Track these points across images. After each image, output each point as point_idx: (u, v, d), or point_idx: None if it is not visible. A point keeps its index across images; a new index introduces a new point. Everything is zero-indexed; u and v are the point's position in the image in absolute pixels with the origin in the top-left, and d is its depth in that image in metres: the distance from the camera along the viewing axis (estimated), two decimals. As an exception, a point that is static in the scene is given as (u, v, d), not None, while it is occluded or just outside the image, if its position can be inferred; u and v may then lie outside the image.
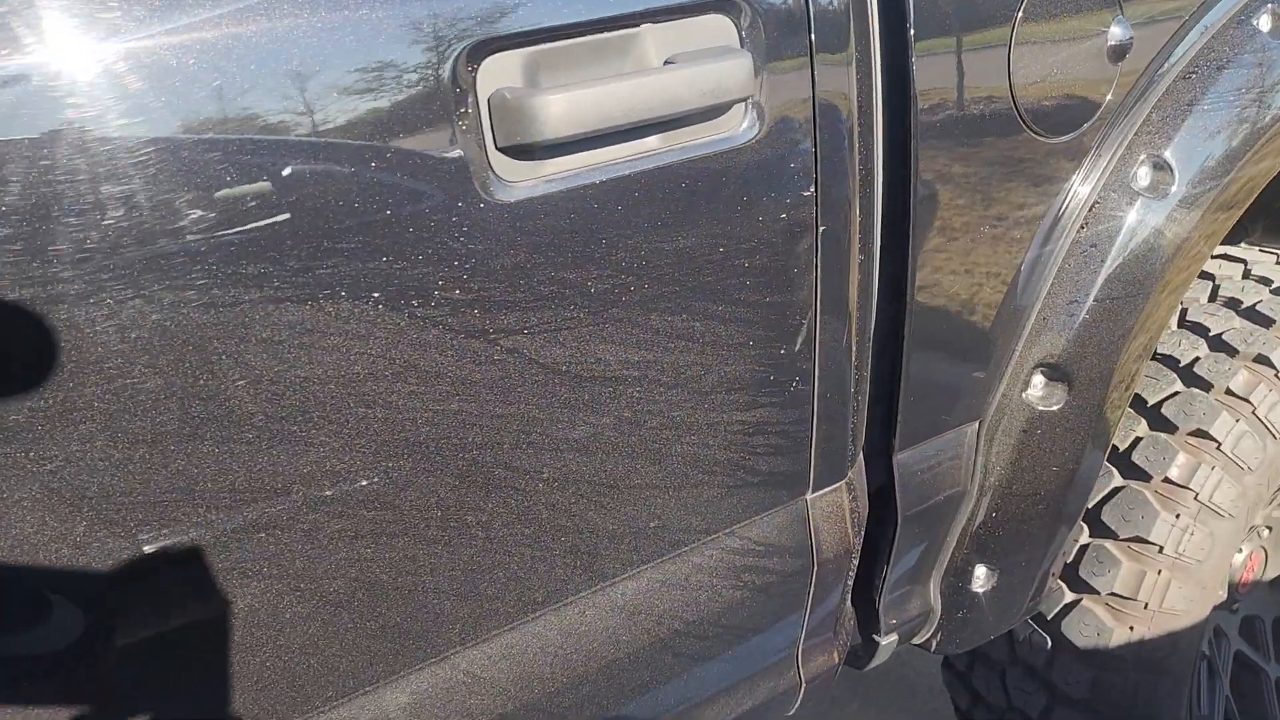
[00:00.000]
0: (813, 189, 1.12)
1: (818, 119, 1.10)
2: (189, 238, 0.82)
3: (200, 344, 0.85)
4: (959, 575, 1.55)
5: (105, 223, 0.78)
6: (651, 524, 1.18)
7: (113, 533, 0.86)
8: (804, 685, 1.44)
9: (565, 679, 1.20)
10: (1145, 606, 1.64)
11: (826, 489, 1.33)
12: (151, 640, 0.94)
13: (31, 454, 0.81)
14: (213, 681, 0.98)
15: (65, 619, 0.89)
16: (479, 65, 0.92)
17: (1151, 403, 1.69)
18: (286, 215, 0.85)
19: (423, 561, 1.04)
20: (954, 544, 1.53)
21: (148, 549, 0.89)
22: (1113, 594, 1.65)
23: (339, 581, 1.00)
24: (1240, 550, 1.90)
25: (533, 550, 1.11)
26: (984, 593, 1.56)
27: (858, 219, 1.20)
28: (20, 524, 0.82)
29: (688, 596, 1.26)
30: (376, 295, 0.91)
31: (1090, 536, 1.68)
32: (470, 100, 0.91)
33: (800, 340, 1.20)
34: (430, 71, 0.89)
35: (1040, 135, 1.30)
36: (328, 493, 0.95)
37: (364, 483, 0.97)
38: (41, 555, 0.85)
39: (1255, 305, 1.79)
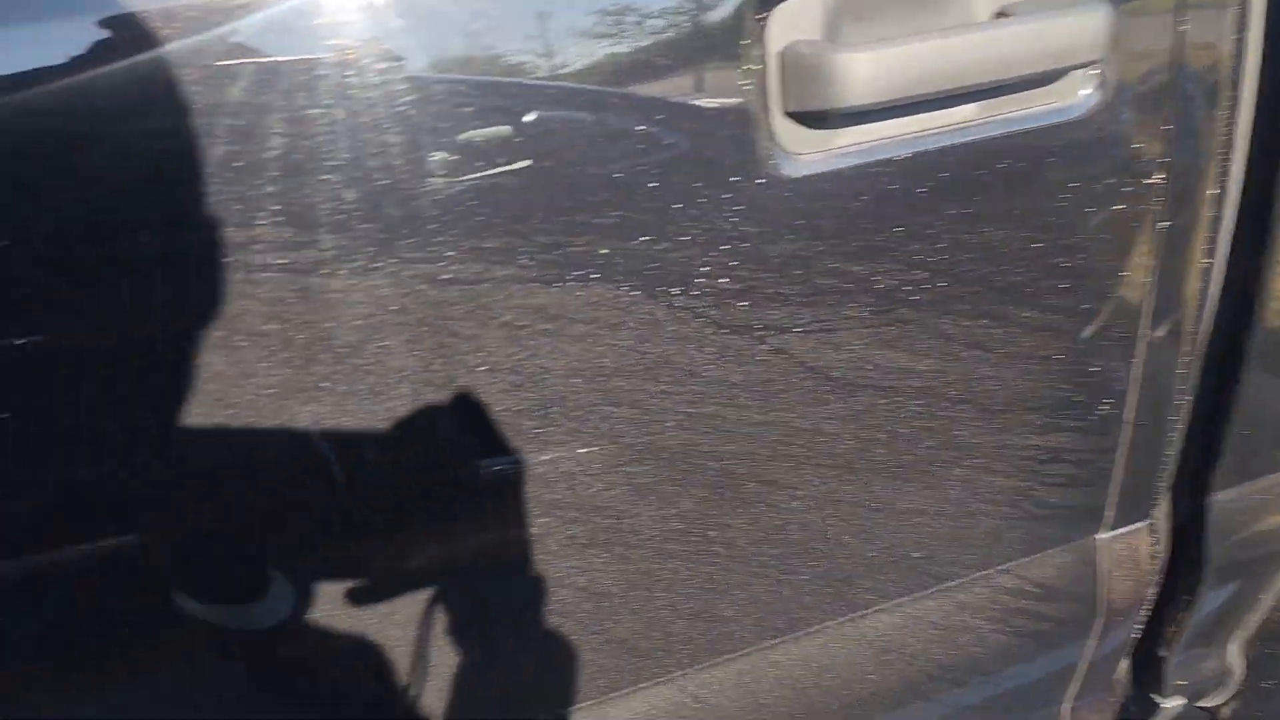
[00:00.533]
0: (1159, 175, 0.91)
1: (1177, 85, 0.89)
2: (432, 193, 0.72)
3: (432, 324, 0.75)
4: (1273, 639, 1.30)
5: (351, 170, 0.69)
6: (915, 554, 1.02)
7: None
8: (1067, 745, 1.25)
9: (800, 715, 1.06)
10: None
11: (1123, 529, 1.13)
12: (363, 631, 0.87)
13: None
14: (424, 682, 0.91)
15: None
16: (770, 11, 0.76)
17: None
18: (525, 172, 0.73)
19: (658, 575, 0.92)
20: (1272, 604, 1.28)
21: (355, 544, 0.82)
22: None
23: (565, 590, 0.90)
24: None
25: (779, 573, 0.97)
26: (1303, 664, 1.31)
27: (1208, 212, 0.98)
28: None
29: (947, 638, 1.10)
30: (630, 278, 0.78)
31: None
32: (757, 54, 0.77)
33: (1119, 356, 0.99)
34: (711, 15, 0.75)
35: None
36: (561, 495, 0.85)
37: (600, 488, 0.86)
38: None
39: None
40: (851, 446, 0.93)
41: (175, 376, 0.72)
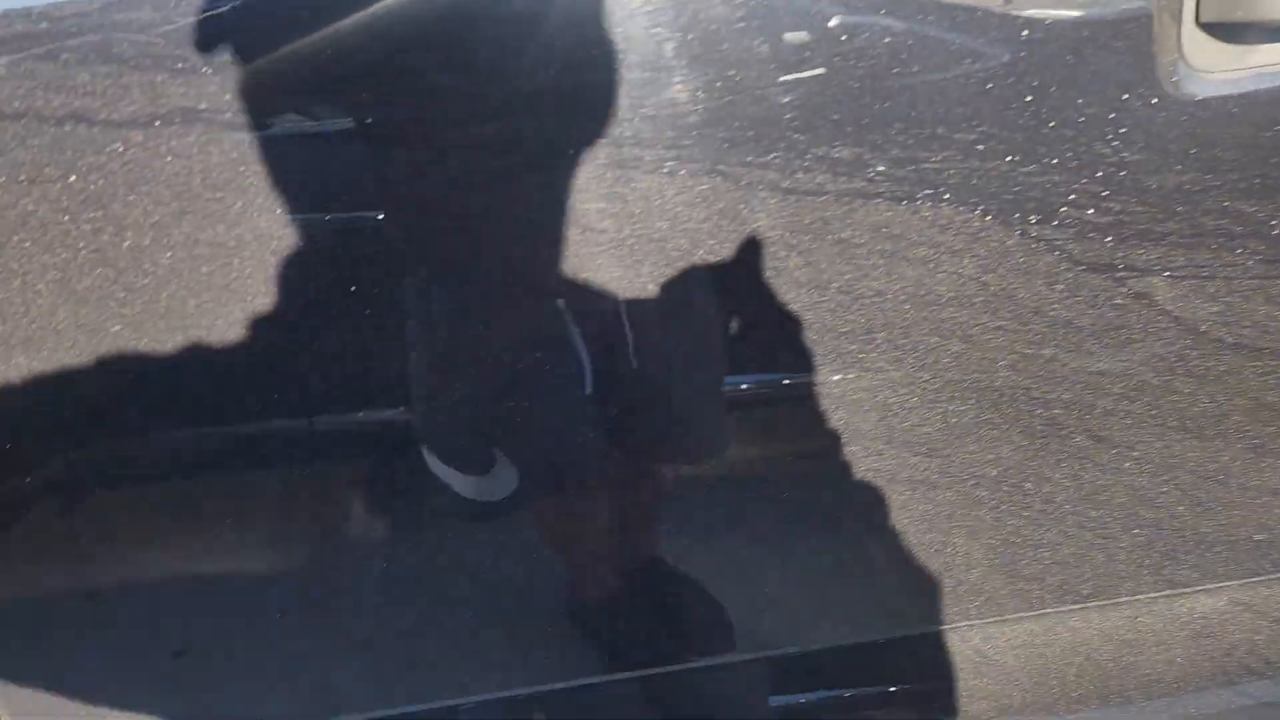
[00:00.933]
0: None
1: None
2: (783, 95, 0.67)
3: (765, 233, 0.71)
4: None
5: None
6: (1256, 536, 0.91)
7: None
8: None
9: (1090, 685, 0.98)
10: None
11: None
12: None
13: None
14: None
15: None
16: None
17: None
18: (885, 78, 0.66)
19: (960, 521, 0.86)
20: None
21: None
22: None
23: (856, 522, 0.86)
24: None
25: (1094, 536, 0.88)
26: None
27: None
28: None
29: (1276, 629, 0.98)
30: (985, 201, 0.71)
31: None
32: (1175, -48, 0.66)
33: None
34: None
35: None
36: (871, 425, 0.80)
37: (914, 422, 0.80)
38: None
39: None
40: (1206, 410, 0.82)
41: (504, 263, 0.72)
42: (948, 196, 0.70)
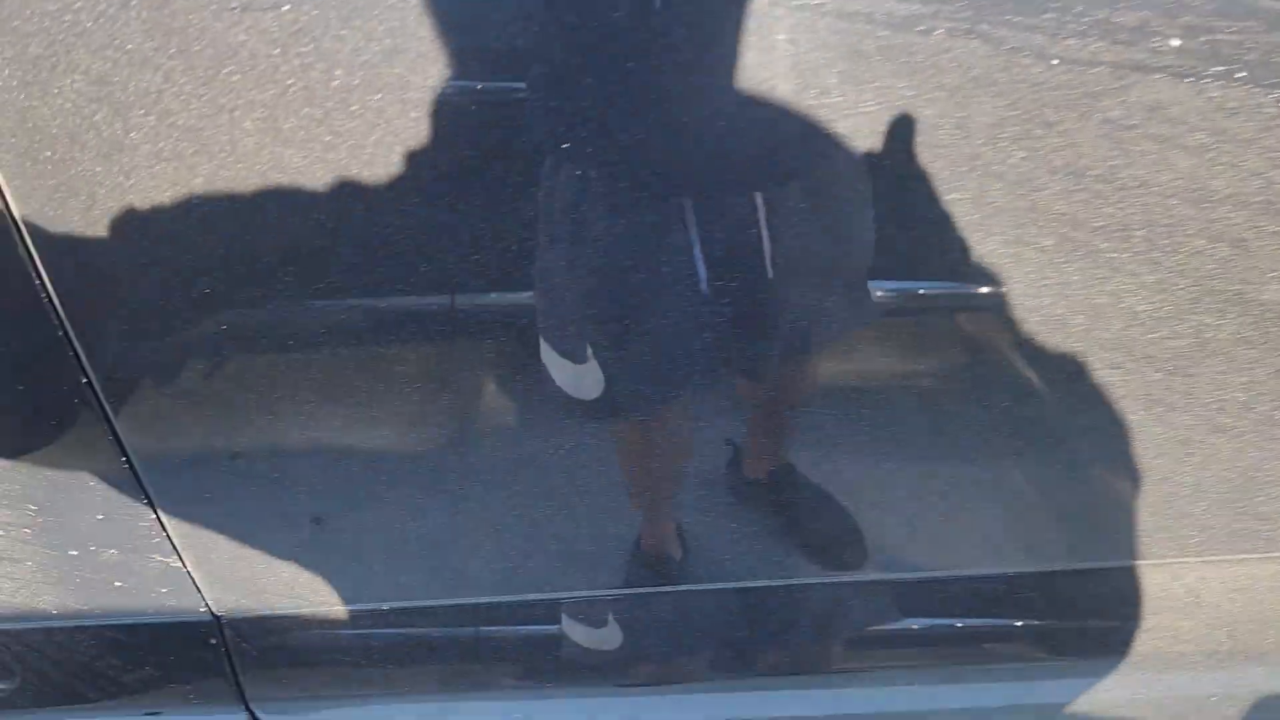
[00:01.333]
0: None
1: None
2: None
3: (1024, 107, 0.63)
4: None
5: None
6: None
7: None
8: None
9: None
10: None
11: None
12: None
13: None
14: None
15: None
16: None
17: None
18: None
19: (1196, 447, 0.78)
20: None
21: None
22: None
23: (1073, 440, 0.78)
24: None
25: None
26: None
27: None
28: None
29: None
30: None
31: None
32: None
33: None
34: None
35: None
36: (1112, 334, 0.72)
37: (1163, 334, 0.71)
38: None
39: None
40: None
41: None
42: (1242, 75, 0.60)
